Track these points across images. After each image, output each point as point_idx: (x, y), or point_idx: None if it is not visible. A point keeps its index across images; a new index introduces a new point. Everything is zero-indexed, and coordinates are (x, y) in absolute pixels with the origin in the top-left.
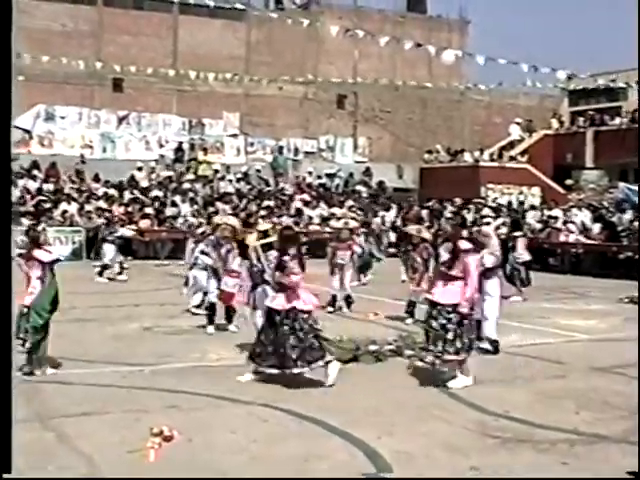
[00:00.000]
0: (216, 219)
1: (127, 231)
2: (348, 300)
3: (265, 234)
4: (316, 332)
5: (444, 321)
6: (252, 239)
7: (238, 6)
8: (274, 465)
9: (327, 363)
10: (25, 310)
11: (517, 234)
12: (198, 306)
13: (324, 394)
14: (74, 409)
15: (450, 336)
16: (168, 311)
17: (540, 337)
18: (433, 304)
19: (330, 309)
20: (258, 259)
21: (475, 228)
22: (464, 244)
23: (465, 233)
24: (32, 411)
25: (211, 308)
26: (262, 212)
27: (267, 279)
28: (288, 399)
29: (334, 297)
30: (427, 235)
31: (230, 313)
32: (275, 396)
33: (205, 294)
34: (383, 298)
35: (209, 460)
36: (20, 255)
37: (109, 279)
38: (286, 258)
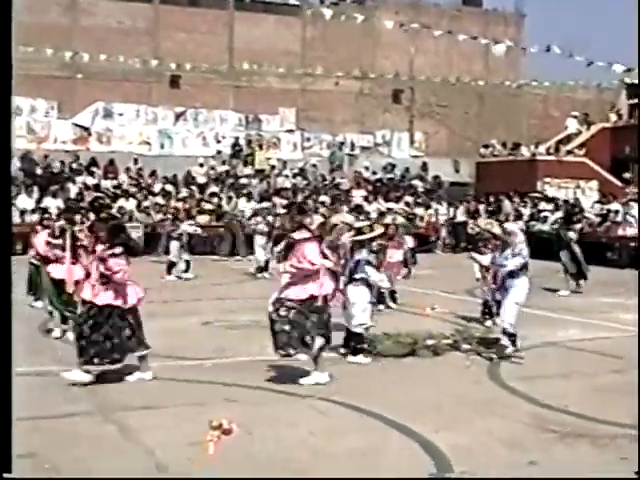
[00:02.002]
0: (333, 219)
1: (191, 228)
2: (393, 295)
3: (359, 231)
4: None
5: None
6: (346, 236)
7: (293, 2)
8: (333, 459)
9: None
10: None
11: (572, 228)
12: None
13: (383, 388)
14: (136, 402)
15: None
16: (227, 305)
17: (599, 331)
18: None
19: (381, 307)
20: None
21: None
22: (300, 234)
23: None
24: (94, 404)
25: None
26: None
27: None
28: (347, 393)
29: (392, 292)
30: (497, 230)
31: None
32: (334, 390)
33: None
34: (439, 292)
35: (269, 454)
36: (83, 247)
37: (177, 277)
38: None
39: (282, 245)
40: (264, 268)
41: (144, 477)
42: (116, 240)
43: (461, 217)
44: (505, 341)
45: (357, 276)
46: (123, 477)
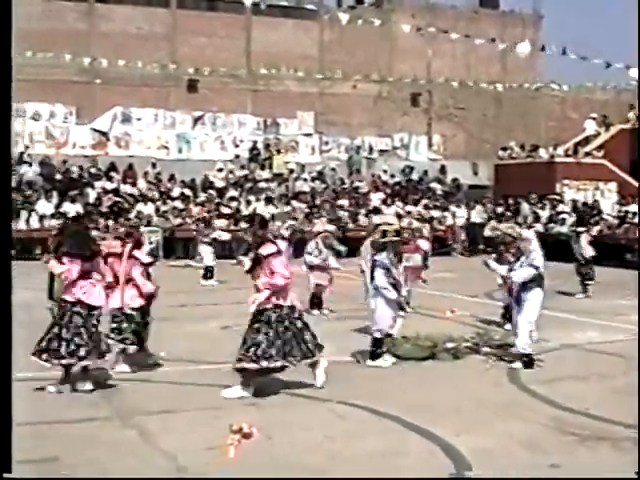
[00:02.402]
0: (375, 219)
1: (223, 233)
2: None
3: (384, 234)
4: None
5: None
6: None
7: (310, 7)
8: (352, 462)
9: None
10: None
11: (580, 230)
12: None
13: (403, 391)
14: (155, 406)
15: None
16: (246, 310)
17: (618, 334)
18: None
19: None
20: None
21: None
22: (268, 248)
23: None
24: (113, 409)
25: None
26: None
27: None
28: (366, 396)
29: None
30: (520, 233)
31: None
32: (353, 393)
33: None
34: (458, 295)
35: (287, 457)
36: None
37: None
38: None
39: (247, 262)
40: None
41: (163, 478)
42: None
43: (476, 218)
44: (517, 364)
45: (375, 283)
46: (141, 478)
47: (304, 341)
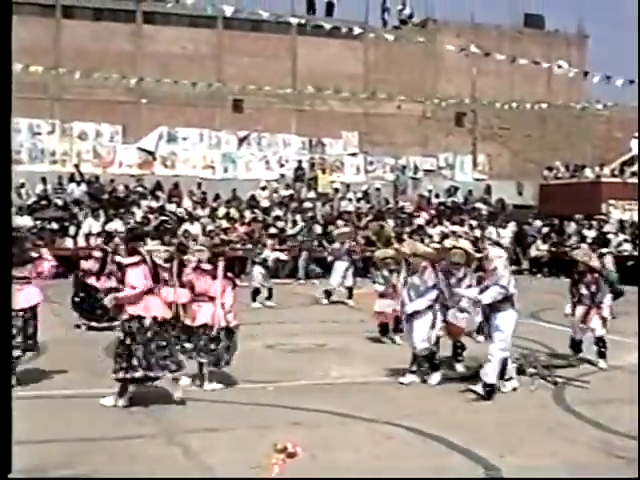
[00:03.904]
0: (446, 243)
1: (273, 253)
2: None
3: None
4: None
5: None
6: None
7: (356, 29)
8: None
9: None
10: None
11: (604, 251)
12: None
13: (448, 412)
14: (200, 424)
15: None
16: (290, 329)
17: None
18: None
19: None
20: None
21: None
22: (129, 259)
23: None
24: (159, 426)
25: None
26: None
27: None
28: (411, 416)
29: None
30: (596, 263)
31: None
32: (399, 413)
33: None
34: None
35: (333, 477)
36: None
37: (261, 304)
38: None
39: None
40: (349, 295)
41: None
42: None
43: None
44: (479, 388)
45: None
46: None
47: (165, 355)
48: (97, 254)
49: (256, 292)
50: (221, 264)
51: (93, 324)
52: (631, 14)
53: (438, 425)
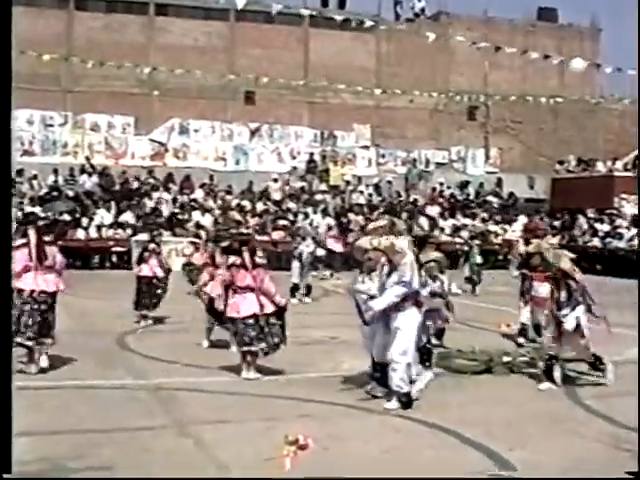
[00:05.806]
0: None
1: (310, 248)
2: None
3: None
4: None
5: None
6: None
7: (368, 22)
8: (408, 475)
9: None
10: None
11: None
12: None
13: (458, 405)
14: (211, 416)
15: None
16: (301, 321)
17: None
18: None
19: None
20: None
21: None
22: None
23: None
24: (170, 418)
25: None
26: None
27: None
28: (421, 409)
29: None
30: (567, 266)
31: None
32: None
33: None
34: (513, 309)
35: (344, 469)
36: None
37: (299, 301)
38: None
39: None
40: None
41: None
42: None
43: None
44: (393, 404)
45: None
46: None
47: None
48: None
49: (295, 288)
50: (246, 254)
51: None
52: None
53: (447, 418)
